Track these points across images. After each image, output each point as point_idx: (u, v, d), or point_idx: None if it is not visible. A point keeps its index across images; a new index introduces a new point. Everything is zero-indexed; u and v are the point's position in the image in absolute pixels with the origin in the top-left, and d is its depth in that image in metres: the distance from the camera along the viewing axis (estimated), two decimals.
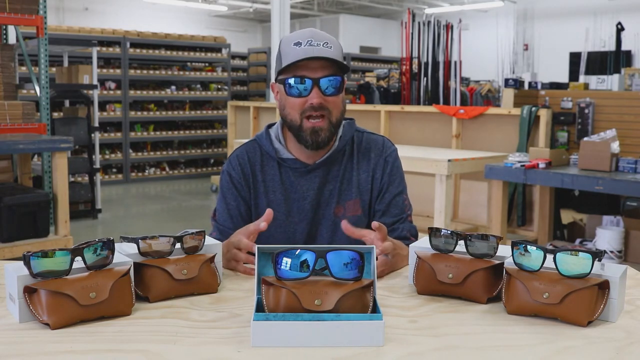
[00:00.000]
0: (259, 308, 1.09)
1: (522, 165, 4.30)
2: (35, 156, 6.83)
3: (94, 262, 1.18)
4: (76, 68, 6.94)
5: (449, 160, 4.26)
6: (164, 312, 1.20)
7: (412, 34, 6.52)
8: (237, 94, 12.11)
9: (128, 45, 9.61)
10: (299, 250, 1.10)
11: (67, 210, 4.77)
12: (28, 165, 5.51)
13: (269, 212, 1.49)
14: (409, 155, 4.49)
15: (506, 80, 5.91)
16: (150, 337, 1.08)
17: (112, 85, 9.61)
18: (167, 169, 10.44)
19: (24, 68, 7.35)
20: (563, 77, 11.93)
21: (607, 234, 4.41)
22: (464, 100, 6.75)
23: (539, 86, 5.94)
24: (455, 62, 6.40)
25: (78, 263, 1.16)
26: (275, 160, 1.76)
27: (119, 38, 9.57)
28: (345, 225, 1.45)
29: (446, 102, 6.33)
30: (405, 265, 1.53)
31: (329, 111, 1.64)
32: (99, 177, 7.36)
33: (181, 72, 10.36)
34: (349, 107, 6.38)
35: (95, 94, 6.96)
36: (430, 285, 1.30)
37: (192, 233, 1.35)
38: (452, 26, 6.47)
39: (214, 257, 1.36)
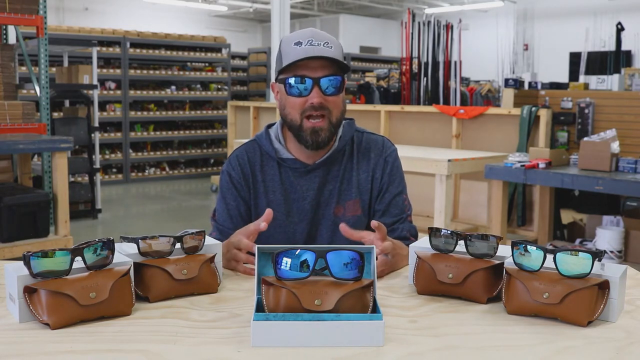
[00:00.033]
0: (259, 308, 1.09)
1: (522, 165, 4.30)
2: (35, 156, 6.83)
3: (94, 262, 1.18)
4: (76, 68, 6.94)
5: (449, 160, 4.26)
6: (164, 312, 1.20)
7: (412, 34, 6.52)
8: (237, 94, 12.11)
9: (128, 45, 9.61)
10: (299, 250, 1.10)
11: (67, 210, 4.77)
12: (28, 165, 5.51)
13: (268, 212, 1.49)
14: (409, 155, 4.49)
15: (506, 80, 5.91)
16: (150, 337, 1.08)
17: (112, 85, 9.61)
18: (167, 169, 10.44)
19: (24, 68, 7.35)
20: (563, 77, 11.93)
21: (607, 234, 4.41)
22: (464, 100, 6.75)
23: (539, 86, 5.94)
24: (455, 62, 6.40)
25: (78, 263, 1.16)
26: (275, 160, 1.76)
27: (119, 38, 9.57)
28: (343, 227, 1.45)
29: (446, 102, 6.33)
30: (405, 265, 1.53)
31: (329, 111, 1.64)
32: (99, 177, 7.36)
33: (181, 72, 10.36)
34: (349, 107, 6.38)
35: (95, 94, 6.96)
36: (430, 285, 1.30)
37: (192, 233, 1.35)
38: (452, 26, 6.48)
39: (214, 257, 1.36)
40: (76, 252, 1.15)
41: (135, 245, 1.30)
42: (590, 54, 9.51)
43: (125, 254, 1.28)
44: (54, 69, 7.67)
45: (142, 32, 10.13)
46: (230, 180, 1.77)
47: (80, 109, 7.18)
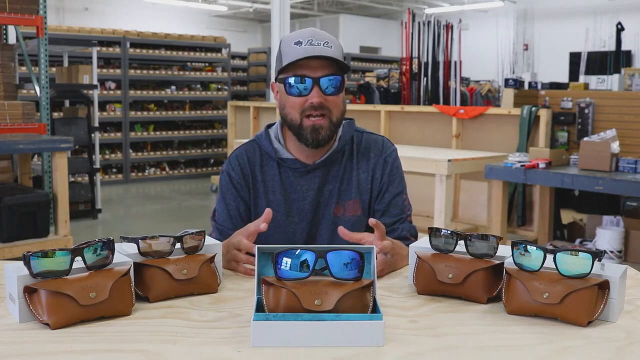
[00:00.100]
0: (259, 308, 1.09)
1: (522, 165, 4.30)
2: (35, 156, 6.83)
3: (94, 262, 1.18)
4: (76, 68, 6.94)
5: (449, 160, 4.26)
6: (164, 312, 1.20)
7: (412, 34, 6.52)
8: (237, 94, 12.11)
9: (128, 45, 9.61)
10: (299, 250, 1.10)
11: (67, 210, 4.77)
12: (28, 165, 5.51)
13: (268, 212, 1.49)
14: (409, 155, 4.49)
15: (506, 80, 5.91)
16: (150, 337, 1.08)
17: (112, 85, 9.61)
18: (167, 169, 10.44)
19: (24, 68, 7.35)
20: (563, 77, 11.93)
21: (607, 234, 4.41)
22: (464, 100, 6.75)
23: (539, 86, 5.94)
24: (455, 62, 6.40)
25: (78, 263, 1.16)
26: (275, 160, 1.76)
27: (119, 38, 9.57)
28: (342, 230, 1.44)
29: (446, 102, 6.33)
30: (405, 265, 1.53)
31: (329, 110, 1.64)
32: (99, 177, 7.36)
33: (181, 72, 10.36)
34: (349, 107, 6.38)
35: (95, 94, 6.96)
36: (430, 285, 1.30)
37: (192, 233, 1.35)
38: (452, 26, 6.47)
39: (214, 257, 1.36)
40: (76, 252, 1.16)
41: (135, 245, 1.30)
42: (590, 54, 9.51)
43: (125, 254, 1.28)
44: (54, 69, 7.67)
45: (142, 32, 10.13)
46: (230, 180, 1.77)
47: (80, 109, 7.18)
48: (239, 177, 1.76)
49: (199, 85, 10.74)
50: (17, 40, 5.57)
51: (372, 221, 1.43)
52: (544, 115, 5.08)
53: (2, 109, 4.88)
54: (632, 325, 1.15)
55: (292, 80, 1.61)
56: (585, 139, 4.50)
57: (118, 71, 9.52)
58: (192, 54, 10.38)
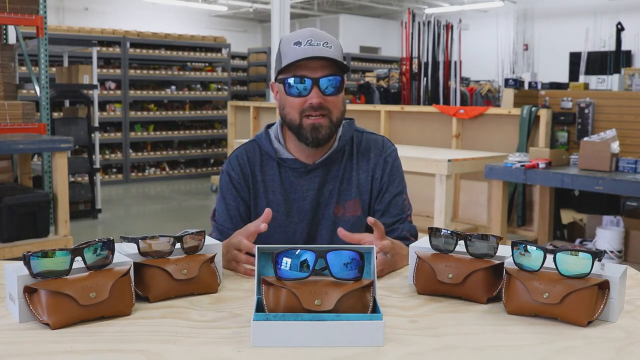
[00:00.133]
0: (259, 308, 1.09)
1: (522, 165, 4.30)
2: (35, 156, 6.83)
3: (94, 262, 1.18)
4: (76, 68, 6.94)
5: (449, 160, 4.26)
6: (164, 312, 1.20)
7: (412, 34, 6.52)
8: (237, 94, 12.11)
9: (128, 45, 9.61)
10: (299, 250, 1.10)
11: (67, 210, 4.77)
12: (28, 165, 5.51)
13: (267, 212, 1.49)
14: (409, 155, 4.49)
15: (506, 80, 5.91)
16: (150, 337, 1.08)
17: (112, 85, 9.61)
18: (167, 169, 10.44)
19: (24, 68, 7.35)
20: (563, 77, 11.93)
21: (607, 234, 4.41)
22: (464, 100, 6.75)
23: (539, 86, 5.94)
24: (455, 62, 6.40)
25: (78, 263, 1.16)
26: (275, 160, 1.76)
27: (119, 38, 9.57)
28: (341, 232, 1.44)
29: (446, 102, 6.33)
30: (405, 265, 1.53)
31: (329, 111, 1.64)
32: (99, 177, 7.36)
33: (181, 72, 10.36)
34: (349, 107, 6.38)
35: (95, 94, 6.96)
36: (430, 285, 1.30)
37: (192, 233, 1.35)
38: (452, 26, 6.47)
39: (214, 257, 1.36)
40: (76, 252, 1.16)
41: (135, 245, 1.30)
42: (590, 54, 9.51)
43: (125, 254, 1.28)
44: (54, 69, 7.67)
45: (142, 32, 10.13)
46: (230, 180, 1.77)
47: (80, 109, 7.18)
48: (239, 177, 1.76)
49: (199, 85, 10.74)
50: (17, 40, 5.57)
51: (370, 220, 1.43)
52: (544, 115, 5.08)
53: (2, 109, 4.88)
54: (632, 325, 1.15)
55: (291, 80, 1.61)
56: (585, 139, 4.50)
57: (118, 71, 9.52)
58: (192, 54, 10.38)
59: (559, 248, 1.18)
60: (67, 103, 7.69)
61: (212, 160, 11.02)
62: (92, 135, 7.02)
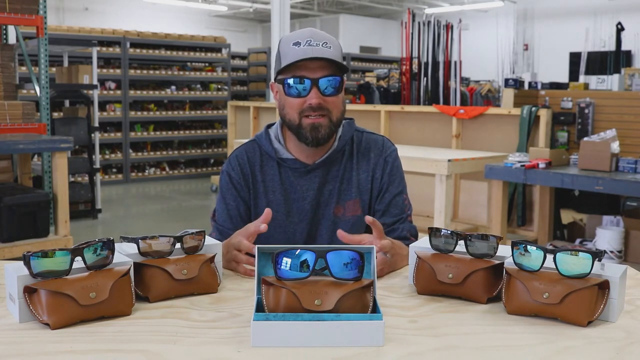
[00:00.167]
0: (259, 308, 1.09)
1: (522, 165, 4.30)
2: (35, 156, 6.83)
3: (94, 262, 1.18)
4: (76, 68, 6.94)
5: (449, 160, 4.26)
6: (164, 312, 1.20)
7: (412, 34, 6.52)
8: (237, 94, 12.11)
9: (128, 45, 9.61)
10: (299, 250, 1.10)
11: (67, 210, 4.77)
12: (28, 165, 5.51)
13: (267, 213, 1.48)
14: (409, 155, 4.49)
15: (506, 80, 5.91)
16: (150, 337, 1.08)
17: (112, 85, 9.61)
18: (167, 169, 10.44)
19: (24, 68, 7.35)
20: (563, 77, 11.93)
21: (607, 234, 4.41)
22: (464, 100, 6.75)
23: (539, 86, 5.94)
24: (455, 62, 6.40)
25: (78, 263, 1.16)
26: (275, 160, 1.76)
27: (119, 38, 9.57)
28: (340, 233, 1.44)
29: (446, 102, 6.33)
30: (405, 265, 1.53)
31: (328, 111, 1.64)
32: (99, 177, 7.36)
33: (181, 72, 10.36)
34: (349, 107, 6.38)
35: (95, 94, 6.96)
36: (430, 285, 1.30)
37: (192, 233, 1.35)
38: (452, 26, 6.47)
39: (214, 257, 1.36)
40: (76, 252, 1.15)
41: (135, 245, 1.30)
42: (590, 54, 9.51)
43: (125, 254, 1.28)
44: (54, 69, 7.67)
45: (142, 32, 10.13)
46: (230, 180, 1.77)
47: (80, 109, 7.18)
48: (239, 177, 1.76)
49: (199, 85, 10.74)
50: (17, 40, 5.57)
51: (368, 219, 1.43)
52: (544, 115, 5.08)
53: (2, 109, 4.88)
54: (632, 325, 1.15)
55: (290, 81, 1.61)
56: (585, 139, 4.50)
57: (118, 71, 9.52)
58: (192, 54, 10.38)
59: (559, 248, 1.18)
60: (67, 103, 7.69)
61: (212, 160, 11.03)
62: (92, 135, 7.02)
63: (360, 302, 1.09)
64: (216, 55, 10.72)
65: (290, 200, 1.74)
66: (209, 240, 1.42)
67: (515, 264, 1.21)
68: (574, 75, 11.85)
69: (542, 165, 4.31)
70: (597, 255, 1.15)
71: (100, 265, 1.18)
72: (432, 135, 5.89)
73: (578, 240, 4.84)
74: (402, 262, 1.53)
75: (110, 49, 9.52)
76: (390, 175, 1.78)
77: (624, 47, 9.20)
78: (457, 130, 5.60)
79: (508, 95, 5.54)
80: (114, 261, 1.21)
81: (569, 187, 4.28)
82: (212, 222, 1.81)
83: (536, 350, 1.04)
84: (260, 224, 1.47)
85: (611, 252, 4.37)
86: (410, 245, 1.40)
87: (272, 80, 1.73)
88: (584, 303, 1.12)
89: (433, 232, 1.34)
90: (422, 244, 1.38)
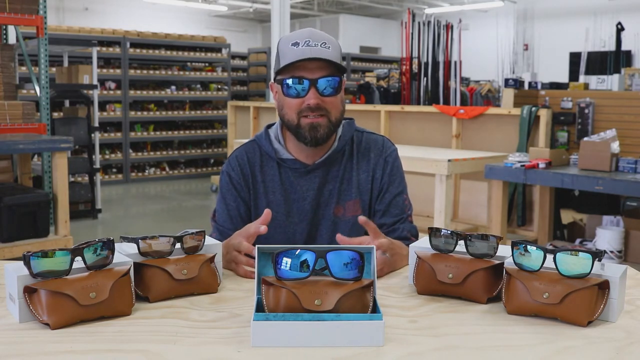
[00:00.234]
0: (259, 308, 1.09)
1: (522, 165, 4.30)
2: (35, 156, 6.83)
3: (94, 262, 1.18)
4: (76, 68, 6.94)
5: (449, 160, 4.26)
6: (164, 312, 1.20)
7: (412, 34, 6.52)
8: (237, 94, 12.11)
9: (128, 45, 9.61)
10: (299, 250, 1.10)
11: (67, 210, 4.77)
12: (28, 165, 5.51)
13: (267, 213, 1.48)
14: (409, 155, 4.49)
15: (506, 80, 5.91)
16: (150, 337, 1.08)
17: (112, 85, 9.61)
18: (167, 169, 10.44)
19: (24, 68, 7.35)
20: (563, 77, 11.93)
21: (607, 234, 4.41)
22: (464, 100, 6.75)
23: (539, 86, 5.94)
24: (455, 62, 6.40)
25: (78, 263, 1.16)
26: (275, 160, 1.76)
27: (119, 38, 9.57)
28: (340, 237, 1.43)
29: (446, 102, 6.33)
30: (405, 265, 1.53)
31: (327, 111, 1.64)
32: (99, 177, 7.36)
33: (181, 72, 10.36)
34: (349, 107, 6.38)
35: (95, 94, 6.96)
36: (430, 285, 1.30)
37: (192, 233, 1.35)
38: (452, 26, 6.47)
39: (214, 257, 1.36)
40: (76, 252, 1.15)
41: (135, 245, 1.30)
42: (590, 54, 9.51)
43: (125, 254, 1.28)
44: (54, 69, 7.67)
45: (142, 32, 10.13)
46: (230, 180, 1.77)
47: (80, 109, 7.18)
48: (239, 178, 1.76)
49: (199, 85, 10.74)
50: (17, 40, 5.57)
51: (361, 219, 1.43)
52: (544, 115, 5.08)
53: (2, 109, 4.88)
54: (632, 325, 1.15)
55: (289, 81, 1.61)
56: (585, 139, 4.50)
57: (118, 71, 9.52)
58: (192, 54, 10.38)
59: (559, 248, 1.18)
60: (67, 103, 7.69)
61: (212, 160, 11.03)
62: (92, 135, 7.02)
63: (360, 302, 1.09)
64: (216, 55, 10.72)
65: (290, 200, 1.74)
66: (209, 240, 1.42)
67: (515, 264, 1.21)
68: (574, 75, 11.85)
69: (542, 165, 4.31)
70: (597, 255, 1.15)
71: (100, 265, 1.18)
72: (432, 135, 5.89)
73: (578, 240, 4.84)
74: (402, 262, 1.53)
75: (110, 49, 9.52)
76: (391, 175, 1.78)
77: (624, 47, 9.20)
78: (457, 130, 5.60)
79: (508, 95, 5.54)
80: (114, 261, 1.21)
81: (569, 187, 4.28)
82: (212, 222, 1.81)
83: (536, 350, 1.04)
84: (260, 226, 1.47)
85: (611, 252, 4.37)
86: (410, 245, 1.40)
87: (272, 80, 1.73)
88: (584, 303, 1.12)
89: (433, 232, 1.34)
90: (422, 244, 1.38)
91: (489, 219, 5.10)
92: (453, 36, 6.41)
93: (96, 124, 7.07)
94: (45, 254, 1.12)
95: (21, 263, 1.14)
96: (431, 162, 4.34)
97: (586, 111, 5.27)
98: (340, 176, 1.76)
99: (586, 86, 5.95)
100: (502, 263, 1.26)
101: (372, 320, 1.04)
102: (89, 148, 7.09)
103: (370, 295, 1.12)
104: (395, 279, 1.45)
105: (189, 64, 10.75)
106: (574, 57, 12.66)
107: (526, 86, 6.23)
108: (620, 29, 8.71)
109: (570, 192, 5.57)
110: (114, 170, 9.81)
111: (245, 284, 1.40)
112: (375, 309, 1.10)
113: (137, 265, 1.25)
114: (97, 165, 7.19)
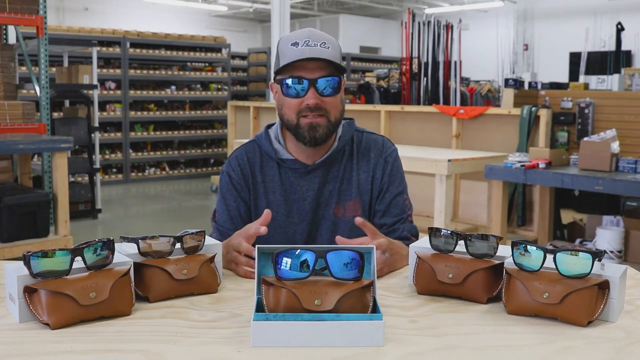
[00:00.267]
0: (259, 308, 1.09)
1: (522, 165, 4.30)
2: (35, 156, 6.83)
3: (94, 262, 1.18)
4: (76, 68, 6.94)
5: (449, 160, 4.26)
6: (164, 312, 1.20)
7: (412, 34, 6.52)
8: (237, 94, 12.11)
9: (128, 45, 9.61)
10: (299, 250, 1.10)
11: (67, 210, 4.77)
12: (28, 165, 5.51)
13: (266, 214, 1.48)
14: (409, 155, 4.49)
15: (506, 80, 5.91)
16: (150, 337, 1.08)
17: (112, 85, 9.61)
18: (167, 169, 10.44)
19: (24, 68, 7.35)
20: (563, 77, 11.93)
21: (607, 234, 4.41)
22: (464, 100, 6.75)
23: (539, 86, 5.94)
24: (455, 62, 6.40)
25: (78, 263, 1.16)
26: (275, 160, 1.76)
27: (119, 38, 9.57)
28: (339, 239, 1.43)
29: (446, 102, 6.33)
30: (405, 265, 1.53)
31: (326, 111, 1.64)
32: (99, 177, 7.36)
33: (181, 72, 10.36)
34: (349, 107, 6.38)
35: (95, 94, 6.96)
36: (430, 285, 1.30)
37: (192, 233, 1.35)
38: (452, 26, 6.47)
39: (214, 257, 1.36)
40: (76, 252, 1.15)
41: (135, 245, 1.29)
42: (590, 54, 9.51)
43: (125, 254, 1.28)
44: (54, 69, 7.67)
45: (142, 32, 10.13)
46: (230, 181, 1.77)
47: (80, 109, 7.18)
48: (239, 178, 1.76)
49: (199, 85, 10.74)
50: (17, 40, 5.57)
51: (358, 220, 1.43)
52: (544, 115, 5.08)
53: (2, 109, 4.88)
54: (632, 325, 1.15)
55: (289, 81, 1.61)
56: (585, 139, 4.50)
57: (118, 71, 9.52)
58: (192, 54, 10.38)
59: (559, 248, 1.18)
60: (67, 103, 7.68)
61: (212, 160, 11.03)
62: (92, 135, 7.02)
63: (360, 302, 1.09)
64: (216, 55, 10.72)
65: (290, 200, 1.74)
66: (209, 240, 1.42)
67: (515, 264, 1.21)
68: (574, 75, 11.85)
69: (542, 165, 4.31)
70: (597, 255, 1.15)
71: (100, 265, 1.18)
72: (432, 135, 5.89)
73: (578, 240, 4.84)
74: (402, 262, 1.53)
75: (110, 49, 9.52)
76: (391, 175, 1.78)
77: (624, 47, 9.20)
78: (457, 130, 5.60)
79: (508, 95, 5.54)
80: (114, 261, 1.21)
81: (569, 187, 4.28)
82: (212, 222, 1.81)
83: (536, 350, 1.04)
84: (259, 227, 1.46)
85: (611, 252, 4.37)
86: (410, 245, 1.40)
87: (272, 80, 1.73)
88: (584, 303, 1.12)
89: (433, 232, 1.34)
90: (422, 244, 1.38)
91: (489, 219, 5.10)
92: (453, 36, 6.42)
93: (96, 124, 7.07)
94: (45, 254, 1.12)
95: (21, 263, 1.14)
96: (431, 162, 4.34)
97: (586, 111, 5.27)
98: (340, 176, 1.76)
99: (586, 86, 5.95)
100: (502, 263, 1.26)
101: (372, 320, 1.04)
102: (89, 148, 7.09)
103: (370, 295, 1.12)
104: (395, 279, 1.45)
105: (189, 64, 10.75)
106: (574, 57, 12.66)
107: (526, 86, 6.23)
108: (620, 29, 8.71)
109: (570, 192, 5.57)
110: (114, 170, 9.81)
111: (245, 284, 1.40)
112: (375, 309, 1.10)
113: (137, 265, 1.25)
114: (97, 165, 7.19)
